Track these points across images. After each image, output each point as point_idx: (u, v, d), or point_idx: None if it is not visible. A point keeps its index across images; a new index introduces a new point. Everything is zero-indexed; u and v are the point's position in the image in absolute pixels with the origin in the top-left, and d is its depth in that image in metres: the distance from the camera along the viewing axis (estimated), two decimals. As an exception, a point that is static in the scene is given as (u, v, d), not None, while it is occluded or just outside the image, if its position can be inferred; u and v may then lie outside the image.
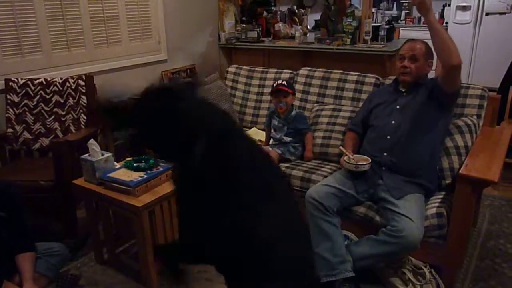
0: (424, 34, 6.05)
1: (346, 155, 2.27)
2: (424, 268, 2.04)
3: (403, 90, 2.33)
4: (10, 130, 2.76)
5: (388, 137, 2.24)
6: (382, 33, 3.95)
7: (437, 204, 2.10)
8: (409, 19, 6.61)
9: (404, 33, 6.38)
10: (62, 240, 2.31)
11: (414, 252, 2.05)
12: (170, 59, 4.07)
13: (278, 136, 2.74)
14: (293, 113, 2.73)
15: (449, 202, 2.10)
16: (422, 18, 6.54)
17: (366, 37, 3.89)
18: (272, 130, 2.81)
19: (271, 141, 2.82)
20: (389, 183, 2.17)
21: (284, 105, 2.70)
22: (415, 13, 6.68)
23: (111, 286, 2.23)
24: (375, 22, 5.39)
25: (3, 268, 2.02)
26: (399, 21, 6.67)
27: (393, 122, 2.26)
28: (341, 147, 2.37)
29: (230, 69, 3.50)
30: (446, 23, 6.06)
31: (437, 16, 6.37)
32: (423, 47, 2.23)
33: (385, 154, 2.23)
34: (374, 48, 3.69)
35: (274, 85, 2.76)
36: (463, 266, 2.28)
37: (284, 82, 2.74)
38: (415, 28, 6.45)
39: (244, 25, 4.57)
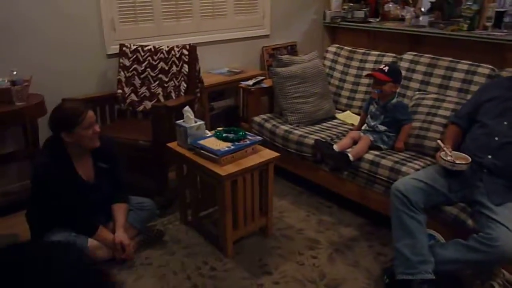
0: (561, 24, 5.29)
1: (444, 150, 2.09)
2: (517, 284, 1.84)
3: None
4: (119, 91, 3.01)
5: (496, 138, 2.02)
6: (507, 19, 3.53)
7: (544, 217, 1.85)
8: (545, 6, 5.79)
9: (537, 22, 5.61)
10: (153, 197, 2.51)
11: (508, 265, 1.85)
12: (272, 35, 4.08)
13: (372, 124, 2.61)
14: (394, 101, 2.55)
15: (560, 217, 1.84)
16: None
17: (488, 23, 3.50)
18: (368, 116, 2.68)
19: (364, 127, 2.71)
20: (489, 186, 1.96)
21: (379, 92, 2.53)
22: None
23: (191, 246, 2.36)
24: (502, 7, 4.83)
25: (102, 215, 2.26)
26: (532, 8, 5.87)
27: (505, 123, 2.02)
28: (439, 141, 2.19)
29: (330, 48, 3.40)
30: None
31: None
32: None
33: (489, 156, 2.01)
34: (494, 36, 3.31)
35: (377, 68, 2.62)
36: None
37: (385, 68, 2.55)
38: (551, 16, 5.64)
39: (351, 4, 4.39)
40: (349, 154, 2.46)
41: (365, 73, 3.07)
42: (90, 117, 2.05)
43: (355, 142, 2.58)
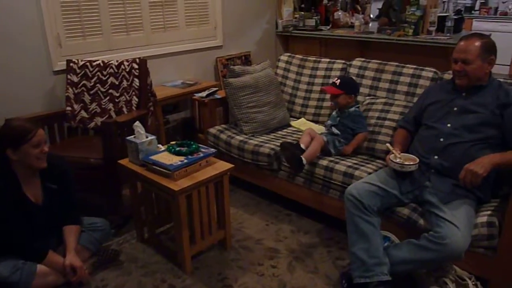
0: (500, 26, 5.64)
1: (393, 153, 2.15)
2: (468, 280, 1.90)
3: (462, 91, 2.15)
4: (69, 108, 2.91)
5: (441, 139, 2.09)
6: (449, 23, 3.70)
7: (489, 213, 1.93)
8: (484, 10, 6.13)
9: (478, 24, 5.93)
10: (106, 216, 2.43)
11: (459, 261, 1.91)
12: (225, 45, 4.08)
13: (329, 123, 2.70)
14: (352, 109, 2.61)
15: (503, 212, 1.92)
16: (500, 9, 6.03)
17: (431, 28, 3.65)
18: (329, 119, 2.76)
19: (324, 128, 2.75)
20: (437, 186, 2.03)
21: (335, 104, 2.66)
22: (492, 3, 6.17)
23: (148, 265, 2.30)
24: (445, 12, 5.06)
25: (51, 238, 2.16)
26: (473, 11, 6.19)
27: (448, 125, 2.10)
28: (388, 144, 2.25)
29: (282, 57, 3.44)
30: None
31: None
32: (478, 47, 2.00)
33: (436, 157, 2.08)
34: (438, 40, 3.46)
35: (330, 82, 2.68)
36: (515, 282, 2.09)
37: (337, 82, 2.63)
38: (491, 19, 5.96)
39: (302, 12, 4.48)
40: (303, 158, 2.47)
41: (317, 80, 3.14)
42: (40, 135, 1.98)
43: (313, 134, 2.61)
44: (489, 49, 2.03)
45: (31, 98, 2.91)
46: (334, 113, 2.71)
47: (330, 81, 2.81)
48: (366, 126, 2.60)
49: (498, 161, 1.88)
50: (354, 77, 2.92)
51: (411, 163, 2.06)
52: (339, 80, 2.64)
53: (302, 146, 2.53)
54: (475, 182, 1.87)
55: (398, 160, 2.08)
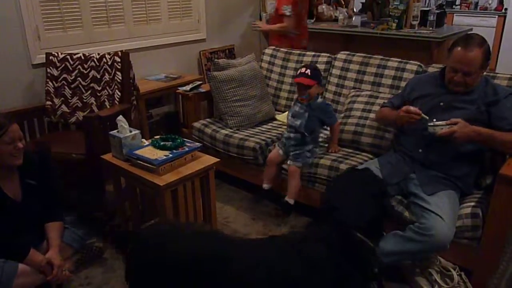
0: (481, 21, 5.73)
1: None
2: (452, 270, 1.92)
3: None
4: (49, 102, 2.85)
5: (426, 133, 2.10)
6: (431, 18, 3.74)
7: (473, 204, 1.96)
8: (465, 4, 6.19)
9: (459, 19, 5.99)
10: (91, 212, 2.38)
11: (444, 252, 1.94)
12: (209, 39, 4.04)
13: (297, 123, 2.48)
14: (319, 100, 2.52)
15: (486, 203, 1.95)
16: (480, 3, 6.10)
17: (414, 22, 3.69)
18: (290, 117, 2.55)
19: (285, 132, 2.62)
20: (421, 178, 2.04)
21: (307, 97, 2.46)
22: (473, -3, 6.24)
23: (133, 261, 2.27)
24: (427, 6, 5.11)
25: (33, 235, 2.10)
26: (454, 6, 6.26)
27: (434, 120, 2.11)
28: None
29: (266, 51, 3.41)
30: (506, 9, 5.63)
31: (496, 2, 5.93)
32: (478, 58, 1.93)
33: (420, 150, 2.10)
34: (421, 34, 3.49)
35: (297, 73, 2.51)
36: (498, 272, 2.13)
37: (308, 72, 2.44)
38: (472, 13, 6.03)
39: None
40: (288, 200, 2.47)
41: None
42: (14, 131, 1.88)
43: (278, 159, 2.57)
44: (488, 56, 1.98)
45: (9, 92, 2.83)
46: (297, 108, 2.52)
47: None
48: (335, 114, 2.57)
49: (488, 133, 1.91)
50: (339, 70, 2.92)
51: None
52: (309, 70, 2.45)
53: (265, 186, 2.56)
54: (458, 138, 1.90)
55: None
